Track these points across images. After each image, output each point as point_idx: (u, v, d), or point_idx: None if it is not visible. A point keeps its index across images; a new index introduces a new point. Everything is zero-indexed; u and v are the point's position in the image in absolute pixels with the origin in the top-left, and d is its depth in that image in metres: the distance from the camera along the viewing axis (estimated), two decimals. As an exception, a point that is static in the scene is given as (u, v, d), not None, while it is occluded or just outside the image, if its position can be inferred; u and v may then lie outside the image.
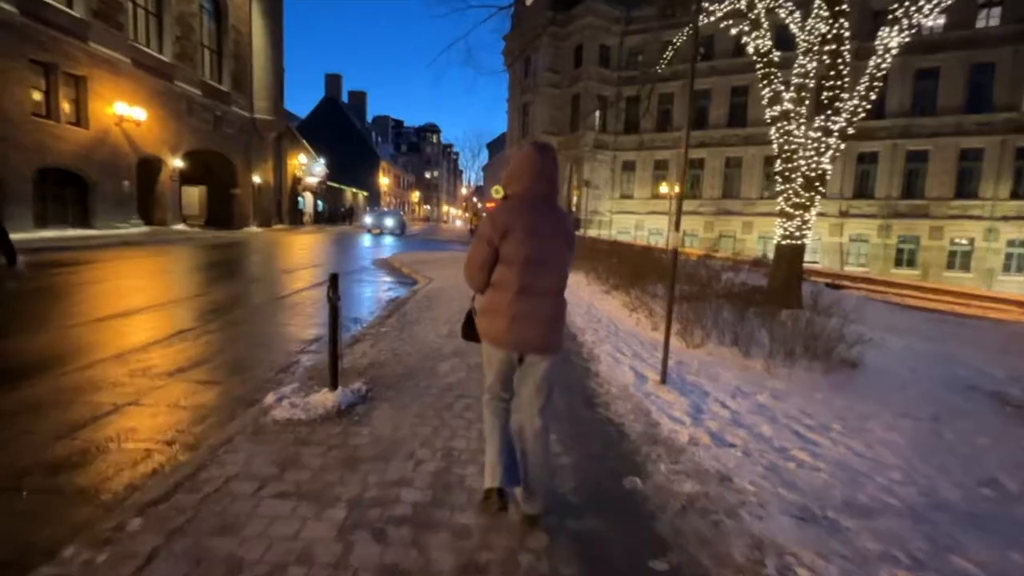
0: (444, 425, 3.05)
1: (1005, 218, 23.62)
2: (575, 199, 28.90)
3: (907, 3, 7.32)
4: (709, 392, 3.78)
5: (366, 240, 24.16)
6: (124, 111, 16.57)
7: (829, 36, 7.76)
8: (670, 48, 10.32)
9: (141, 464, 2.66)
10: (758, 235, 28.63)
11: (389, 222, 29.49)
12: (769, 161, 28.63)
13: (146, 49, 18.06)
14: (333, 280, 3.27)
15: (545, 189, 2.03)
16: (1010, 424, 3.77)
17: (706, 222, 29.92)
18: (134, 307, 6.48)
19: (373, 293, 9.07)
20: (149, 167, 18.65)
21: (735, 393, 3.80)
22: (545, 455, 2.10)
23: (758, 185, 29.04)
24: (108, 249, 12.62)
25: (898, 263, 26.02)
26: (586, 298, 8.15)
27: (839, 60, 7.78)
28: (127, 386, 3.81)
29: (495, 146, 66.70)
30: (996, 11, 23.59)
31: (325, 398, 3.29)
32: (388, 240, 25.16)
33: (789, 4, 8.63)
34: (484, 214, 1.87)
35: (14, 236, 12.38)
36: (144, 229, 17.59)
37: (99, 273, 9.14)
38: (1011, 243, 23.78)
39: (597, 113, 31.52)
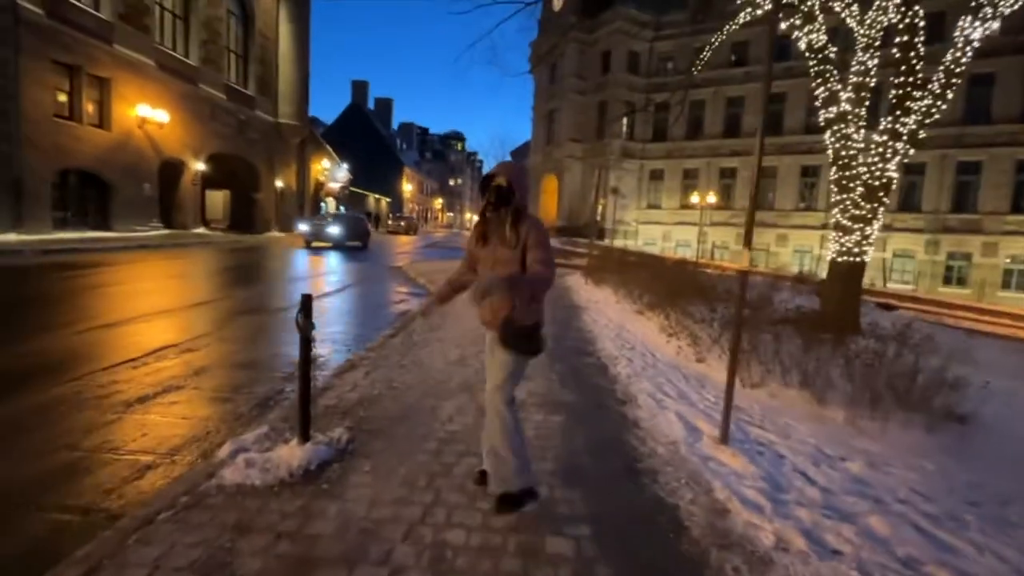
0: (439, 502, 2.29)
1: (1067, 235, 21.83)
2: (600, 208, 27.99)
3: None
4: (784, 456, 2.93)
5: (391, 243, 22.58)
6: (147, 113, 16.49)
7: (900, 27, 6.83)
8: (707, 49, 9.54)
9: (24, 557, 1.98)
10: (793, 248, 27.36)
11: (335, 231, 18.91)
12: (806, 171, 27.34)
13: (171, 52, 18.04)
14: (305, 303, 2.55)
15: None
16: None
17: (738, 234, 28.64)
18: (124, 316, 5.95)
19: (381, 306, 8.42)
20: (171, 170, 18.56)
21: (817, 458, 2.95)
22: None
23: (794, 196, 27.77)
24: (123, 252, 12.34)
25: (947, 281, 24.32)
26: (616, 319, 7.30)
27: (912, 54, 6.83)
28: (70, 420, 3.18)
29: (519, 154, 66.31)
30: (1058, 14, 21.94)
31: (292, 454, 2.57)
32: (404, 246, 20.59)
33: (846, -4, 7.75)
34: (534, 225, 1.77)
35: (31, 237, 12.31)
36: (163, 232, 17.44)
37: (104, 278, 8.73)
38: (1074, 262, 21.95)
39: (624, 120, 30.63)
